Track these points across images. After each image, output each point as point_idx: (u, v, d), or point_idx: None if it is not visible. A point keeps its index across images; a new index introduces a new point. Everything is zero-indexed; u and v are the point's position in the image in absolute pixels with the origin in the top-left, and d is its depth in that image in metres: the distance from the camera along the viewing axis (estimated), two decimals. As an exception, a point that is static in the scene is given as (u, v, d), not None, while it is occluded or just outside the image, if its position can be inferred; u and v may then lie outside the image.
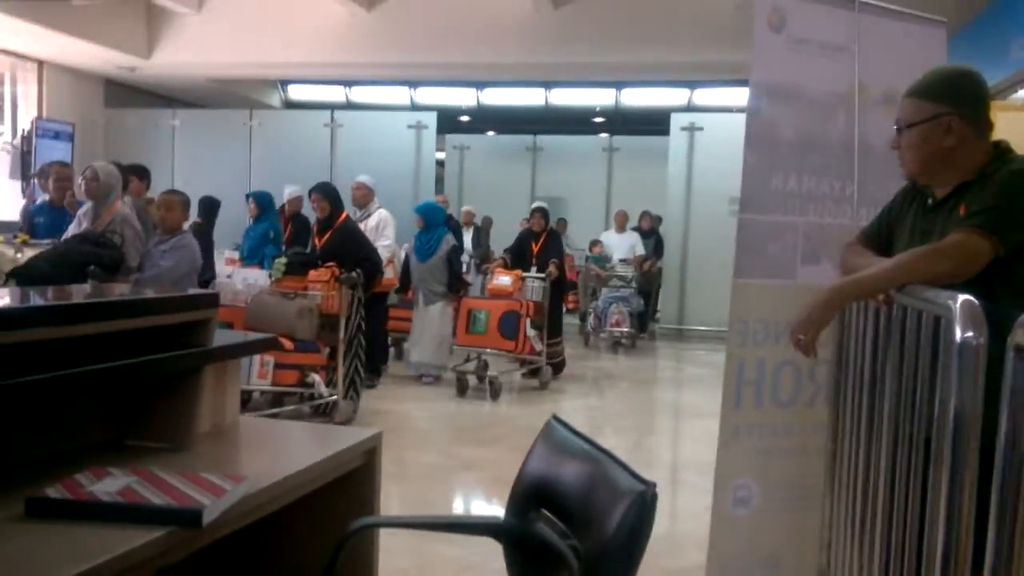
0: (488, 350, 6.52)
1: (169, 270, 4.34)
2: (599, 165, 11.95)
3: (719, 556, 2.70)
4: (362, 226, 6.28)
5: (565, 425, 1.60)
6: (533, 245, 7.17)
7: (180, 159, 11.12)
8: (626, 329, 8.95)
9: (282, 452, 1.87)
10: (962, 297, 1.65)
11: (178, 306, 1.82)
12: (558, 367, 7.16)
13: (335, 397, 5.10)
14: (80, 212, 4.78)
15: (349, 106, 12.93)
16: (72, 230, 4.68)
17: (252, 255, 6.66)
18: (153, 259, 4.42)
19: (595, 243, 9.97)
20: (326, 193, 5.74)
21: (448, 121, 12.98)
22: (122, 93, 11.68)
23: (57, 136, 10.09)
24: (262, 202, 7.00)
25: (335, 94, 13.25)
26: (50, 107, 10.46)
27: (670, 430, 5.81)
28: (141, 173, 6.08)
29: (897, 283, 1.91)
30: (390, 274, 6.54)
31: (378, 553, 1.92)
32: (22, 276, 3.88)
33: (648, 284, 9.91)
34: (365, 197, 6.59)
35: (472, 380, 6.48)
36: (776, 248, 2.69)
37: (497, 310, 6.41)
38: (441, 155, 12.08)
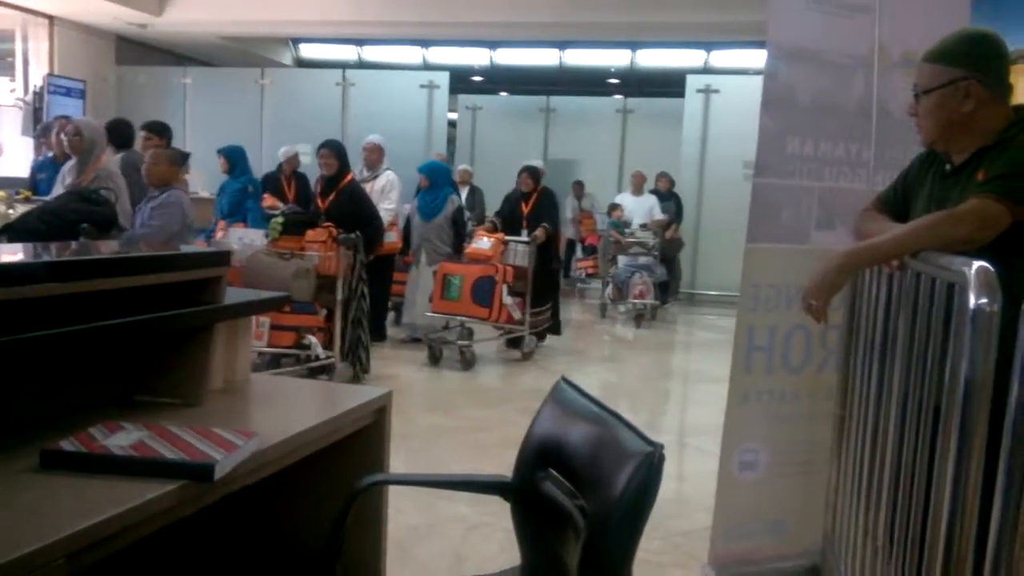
0: (459, 318, 6.07)
1: (159, 229, 4.19)
2: (613, 127, 11.82)
3: (725, 518, 2.73)
4: (368, 187, 6.17)
5: (574, 387, 1.61)
6: (523, 206, 6.72)
7: (191, 117, 11.08)
8: (649, 301, 8.19)
9: (293, 409, 1.89)
10: (977, 263, 1.63)
11: (190, 263, 1.83)
12: (544, 334, 6.80)
13: (332, 360, 5.01)
14: (64, 169, 4.67)
15: (361, 65, 12.83)
16: (57, 187, 4.57)
17: (233, 211, 6.39)
18: (143, 217, 4.29)
19: (614, 207, 9.16)
20: (336, 150, 5.58)
21: (460, 81, 12.87)
22: (133, 50, 11.62)
23: (68, 93, 10.07)
24: (232, 157, 6.67)
25: (347, 53, 13.15)
26: (61, 64, 10.42)
27: (679, 394, 5.82)
28: (159, 130, 5.81)
29: (911, 249, 1.90)
30: (393, 237, 6.41)
31: (387, 510, 1.95)
32: (13, 232, 3.80)
33: (671, 251, 9.29)
34: (378, 158, 6.47)
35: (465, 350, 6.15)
36: (790, 213, 2.67)
37: (471, 275, 6.01)
38: (453, 116, 11.98)
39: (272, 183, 7.28)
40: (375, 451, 1.90)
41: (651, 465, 1.24)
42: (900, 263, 1.95)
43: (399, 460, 3.42)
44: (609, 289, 8.52)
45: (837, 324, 2.66)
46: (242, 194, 6.49)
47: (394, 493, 2.05)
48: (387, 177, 6.48)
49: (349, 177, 5.64)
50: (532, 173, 6.75)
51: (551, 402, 1.62)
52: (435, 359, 6.04)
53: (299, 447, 1.61)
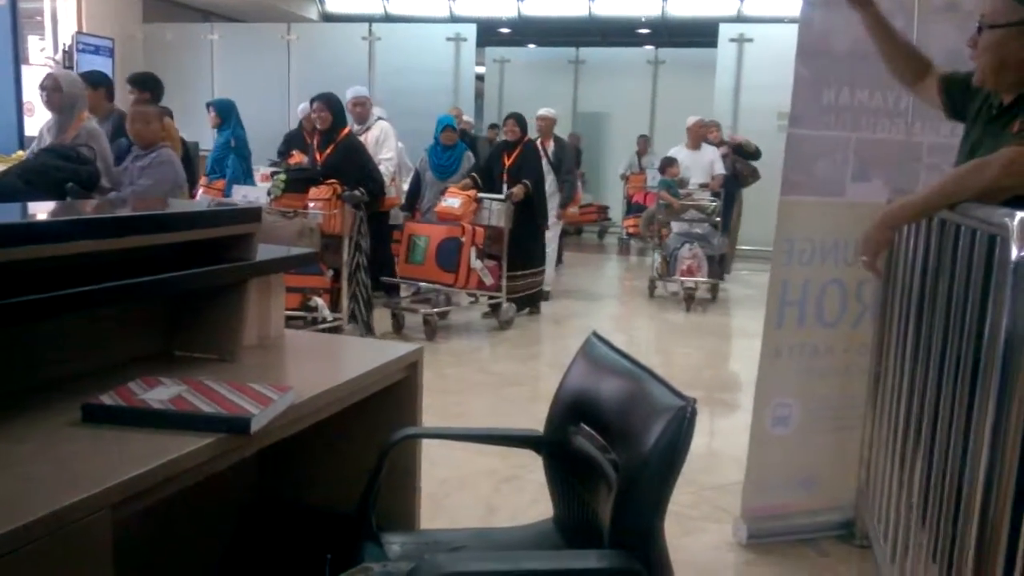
0: (423, 284, 5.59)
1: (148, 189, 3.92)
2: (644, 79, 11.63)
3: (756, 473, 2.73)
4: (362, 139, 5.81)
5: (605, 342, 1.61)
6: (505, 158, 6.07)
7: (219, 74, 11.09)
8: (702, 278, 6.82)
9: (327, 364, 1.91)
10: (1020, 215, 1.59)
11: (224, 219, 1.84)
12: (531, 300, 6.26)
13: (340, 321, 4.84)
14: (43, 126, 4.41)
15: (387, 19, 12.70)
16: (35, 146, 4.29)
17: (215, 167, 6.08)
18: (131, 176, 4.00)
19: (670, 162, 7.45)
20: (329, 103, 5.23)
21: (488, 33, 12.69)
22: (160, 7, 11.60)
23: (97, 51, 10.09)
24: (222, 109, 6.19)
25: (373, 6, 13.01)
26: (89, 22, 10.42)
27: (711, 350, 5.79)
28: (146, 84, 5.26)
29: (944, 203, 1.86)
30: (392, 192, 6.03)
31: (421, 463, 1.98)
32: None
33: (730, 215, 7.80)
34: (365, 111, 6.03)
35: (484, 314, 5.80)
36: (825, 165, 2.62)
37: (436, 236, 5.49)
38: (481, 69, 11.86)
39: (297, 141, 7.16)
40: (408, 404, 1.92)
41: (683, 419, 1.24)
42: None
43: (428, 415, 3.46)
44: (657, 261, 7.22)
45: (872, 279, 2.62)
46: (224, 149, 6.12)
47: (427, 446, 2.07)
48: (380, 127, 6.07)
49: (346, 131, 5.32)
50: (519, 120, 6.17)
51: (582, 357, 1.62)
52: (398, 328, 5.59)
53: (333, 401, 1.63)
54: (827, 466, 2.77)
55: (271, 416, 1.40)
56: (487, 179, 6.01)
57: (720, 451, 3.61)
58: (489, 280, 5.65)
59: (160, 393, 1.41)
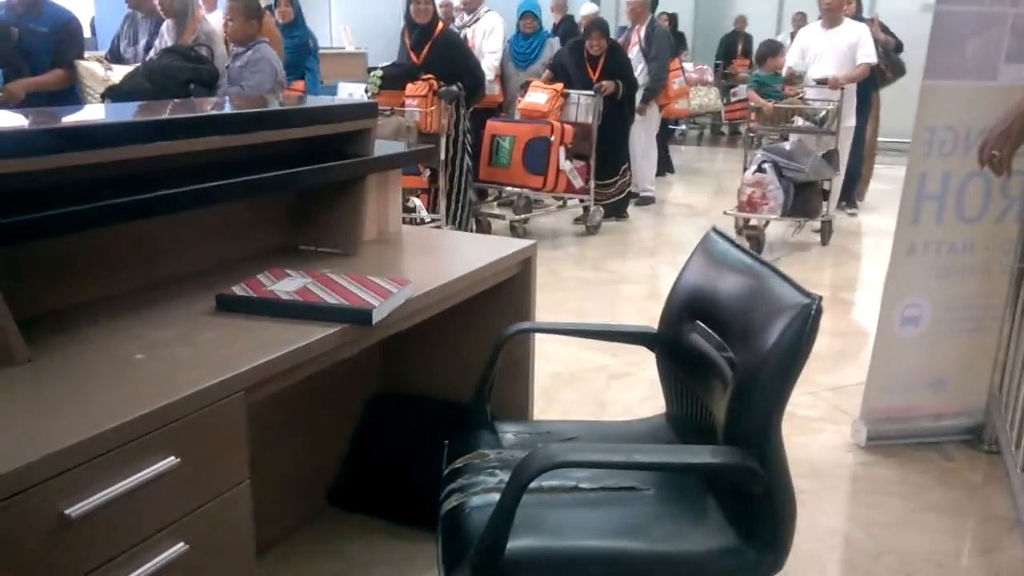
0: (509, 188, 5.25)
1: (253, 89, 3.90)
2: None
3: (881, 374, 2.64)
4: (469, 32, 5.58)
5: (725, 237, 1.55)
6: (589, 71, 5.50)
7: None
8: (766, 215, 4.98)
9: (443, 259, 1.94)
10: None
11: (343, 115, 1.86)
12: (620, 205, 5.83)
13: (439, 222, 4.70)
14: (163, 27, 4.48)
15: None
16: (158, 44, 4.34)
17: (292, 69, 5.43)
18: (232, 77, 4.00)
19: (771, 49, 5.77)
20: None
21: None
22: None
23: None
24: (298, 3, 5.60)
25: None
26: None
27: (834, 248, 5.52)
28: None
29: None
30: (496, 90, 5.73)
31: (534, 357, 2.01)
32: (120, 94, 3.72)
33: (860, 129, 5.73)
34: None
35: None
36: (977, 44, 2.38)
37: (523, 136, 5.10)
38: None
39: None
40: (522, 300, 1.94)
41: (808, 316, 1.19)
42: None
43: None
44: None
45: (1022, 170, 2.41)
46: (303, 51, 5.65)
47: (540, 341, 2.10)
48: (490, 19, 5.76)
49: (441, 25, 5.03)
50: (604, 31, 5.58)
51: (700, 253, 1.57)
52: (485, 233, 5.21)
53: (450, 295, 1.66)
54: (957, 369, 2.64)
55: (391, 308, 1.45)
56: (566, 82, 5.55)
57: (841, 352, 3.50)
58: (579, 182, 5.33)
59: (287, 285, 1.47)
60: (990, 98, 2.32)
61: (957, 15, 2.36)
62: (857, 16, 5.94)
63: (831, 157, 5.22)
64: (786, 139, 5.38)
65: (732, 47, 10.61)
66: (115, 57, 4.64)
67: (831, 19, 5.43)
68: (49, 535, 0.94)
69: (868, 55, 5.34)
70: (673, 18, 9.50)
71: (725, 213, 5.25)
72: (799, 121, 5.33)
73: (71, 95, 4.27)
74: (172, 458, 1.06)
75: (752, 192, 4.98)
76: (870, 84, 5.72)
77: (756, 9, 10.83)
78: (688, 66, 8.61)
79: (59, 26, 4.27)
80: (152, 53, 4.34)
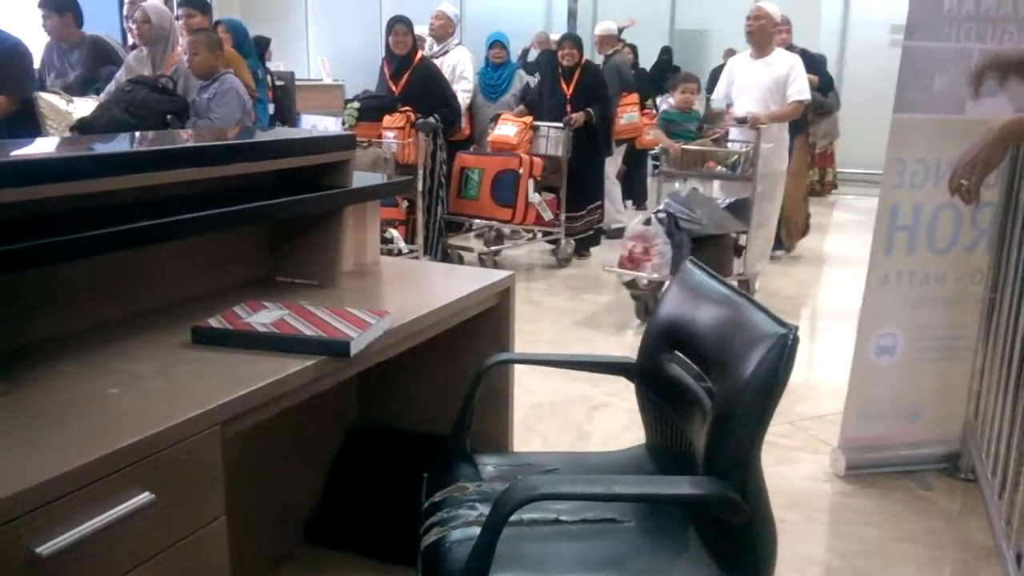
0: (478, 221, 5.27)
1: (222, 121, 3.87)
2: (746, -8, 11.02)
3: (858, 403, 2.66)
4: (437, 63, 5.58)
5: (701, 268, 1.57)
6: (564, 87, 5.44)
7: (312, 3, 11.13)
8: (649, 274, 4.07)
9: (422, 290, 1.94)
10: None
11: (322, 147, 1.86)
12: (590, 241, 5.73)
13: (416, 253, 4.73)
14: (131, 56, 4.36)
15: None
16: (121, 75, 4.20)
17: None
18: (200, 110, 3.94)
19: (685, 81, 5.02)
20: (411, 26, 5.03)
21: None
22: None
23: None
24: (236, 34, 4.85)
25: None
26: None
27: (811, 279, 5.59)
28: (202, 6, 4.73)
29: None
30: (462, 123, 5.68)
31: (514, 388, 2.00)
32: (97, 127, 3.64)
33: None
34: (445, 28, 5.73)
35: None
36: (944, 79, 2.44)
37: (491, 168, 5.12)
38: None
39: None
40: (501, 330, 1.94)
41: (785, 346, 1.20)
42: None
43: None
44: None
45: (991, 202, 2.47)
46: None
47: (519, 371, 2.10)
48: (458, 53, 5.78)
49: (419, 55, 5.12)
50: (576, 42, 5.51)
51: (677, 283, 1.59)
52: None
53: (429, 326, 1.66)
54: (933, 397, 2.67)
55: (369, 339, 1.44)
56: (544, 109, 5.50)
57: (818, 381, 3.52)
58: (548, 215, 5.29)
59: (264, 317, 1.46)
60: (958, 132, 2.37)
61: (925, 50, 2.43)
62: (791, 46, 5.37)
63: (741, 208, 4.41)
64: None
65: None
66: (40, 88, 4.38)
67: (757, 48, 4.71)
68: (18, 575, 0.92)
69: (800, 92, 4.58)
70: (634, 50, 9.60)
71: (604, 270, 4.62)
72: (719, 167, 4.64)
73: (32, 124, 4.03)
74: (146, 494, 1.04)
75: (632, 247, 4.13)
76: (791, 125, 4.90)
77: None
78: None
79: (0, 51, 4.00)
80: (112, 84, 4.23)
